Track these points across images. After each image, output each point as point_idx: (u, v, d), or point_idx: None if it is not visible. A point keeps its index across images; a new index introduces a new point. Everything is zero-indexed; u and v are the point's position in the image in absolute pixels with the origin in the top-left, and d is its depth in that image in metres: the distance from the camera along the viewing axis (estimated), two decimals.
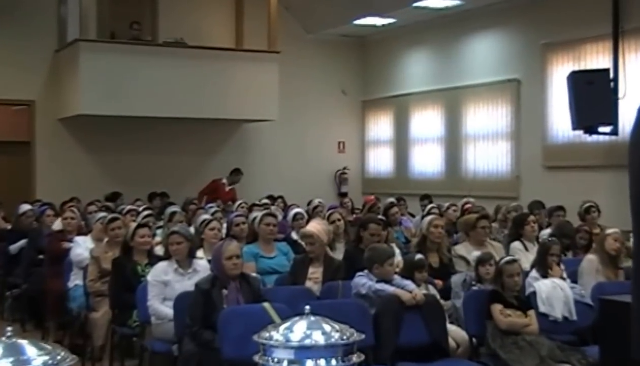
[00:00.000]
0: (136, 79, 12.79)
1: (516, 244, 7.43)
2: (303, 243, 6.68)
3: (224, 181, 13.81)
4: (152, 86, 12.86)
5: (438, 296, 5.86)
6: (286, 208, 11.09)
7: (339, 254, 6.85)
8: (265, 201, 11.66)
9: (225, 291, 5.21)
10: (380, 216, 8.33)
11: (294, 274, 6.23)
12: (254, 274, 5.98)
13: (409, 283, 5.52)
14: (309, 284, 6.07)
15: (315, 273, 6.13)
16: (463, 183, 13.53)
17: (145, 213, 9.02)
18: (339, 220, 7.93)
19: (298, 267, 6.24)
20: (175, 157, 14.35)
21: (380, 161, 16.04)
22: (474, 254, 6.55)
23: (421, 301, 5.36)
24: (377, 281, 5.46)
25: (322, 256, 6.21)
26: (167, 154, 14.27)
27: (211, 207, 10.31)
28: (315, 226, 6.31)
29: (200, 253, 6.57)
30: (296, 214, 8.79)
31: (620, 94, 10.62)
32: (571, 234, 7.66)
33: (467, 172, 13.67)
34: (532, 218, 7.68)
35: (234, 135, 15.14)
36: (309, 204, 10.74)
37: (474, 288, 6.04)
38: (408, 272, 5.82)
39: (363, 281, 5.48)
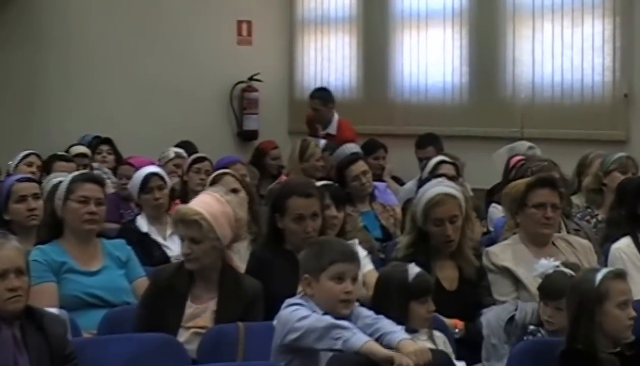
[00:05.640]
0: None
1: (623, 245, 7.53)
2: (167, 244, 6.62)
3: None
4: None
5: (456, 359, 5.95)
6: (120, 165, 11.20)
7: (238, 263, 6.89)
8: (81, 149, 11.80)
9: None
10: (326, 181, 8.40)
11: (149, 312, 6.28)
12: (54, 311, 5.99)
13: (395, 329, 5.56)
14: (186, 335, 6.17)
15: (200, 316, 6.21)
16: (508, 109, 13.76)
17: None
18: (235, 190, 8.03)
19: (160, 297, 6.29)
20: None
21: (331, 64, 16.21)
22: (533, 264, 6.58)
23: (422, 362, 5.39)
24: (325, 313, 5.56)
25: (217, 274, 6.30)
26: None
27: None
28: (206, 203, 6.37)
29: None
30: (148, 177, 8.85)
31: None
32: None
33: (516, 88, 13.84)
34: None
35: (8, 6, 15.04)
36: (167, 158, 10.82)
37: (537, 335, 6.16)
38: (392, 302, 5.89)
39: (300, 314, 5.54)
